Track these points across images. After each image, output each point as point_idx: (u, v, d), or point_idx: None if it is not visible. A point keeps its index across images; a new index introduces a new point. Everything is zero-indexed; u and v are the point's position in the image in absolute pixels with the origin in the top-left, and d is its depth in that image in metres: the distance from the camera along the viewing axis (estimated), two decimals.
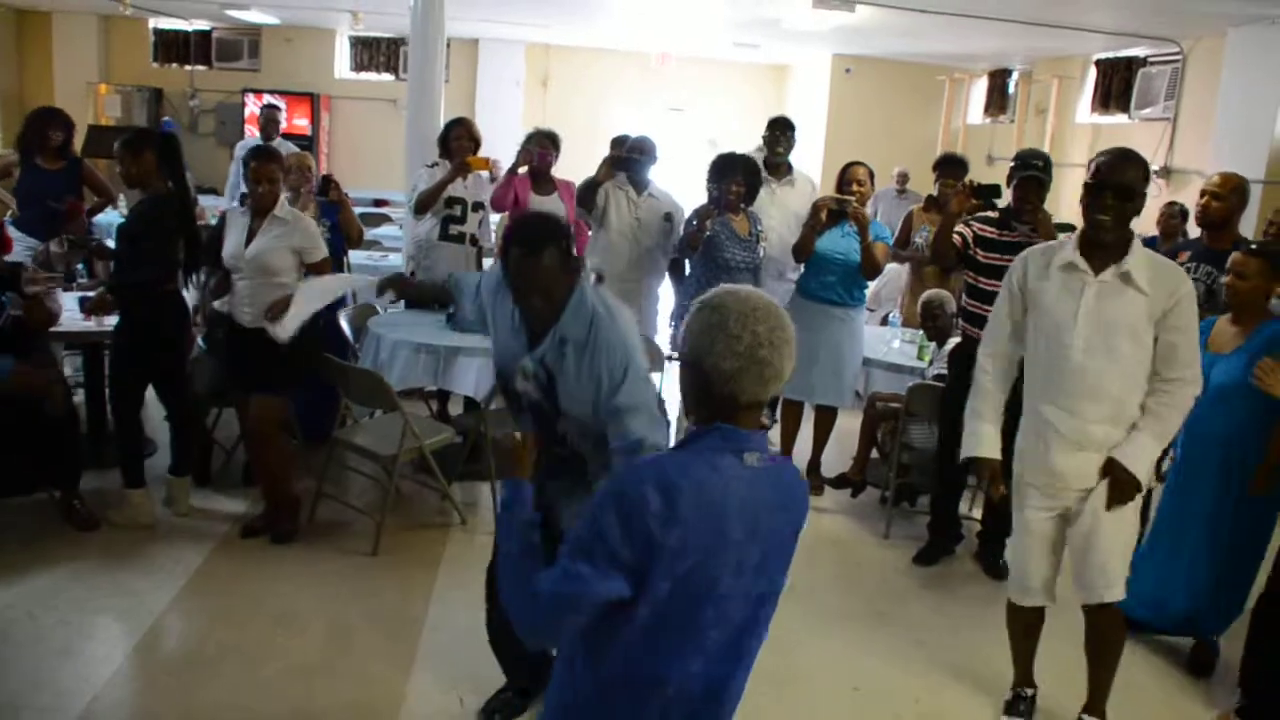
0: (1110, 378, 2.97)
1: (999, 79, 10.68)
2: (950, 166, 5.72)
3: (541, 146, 5.85)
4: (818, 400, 5.40)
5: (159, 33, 12.88)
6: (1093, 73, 9.32)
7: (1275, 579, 3.43)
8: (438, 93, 6.45)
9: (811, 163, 9.57)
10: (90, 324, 4.88)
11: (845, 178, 5.23)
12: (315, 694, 3.38)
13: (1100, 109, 9.24)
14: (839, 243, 5.13)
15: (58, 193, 4.49)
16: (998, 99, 10.69)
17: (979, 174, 5.43)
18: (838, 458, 5.58)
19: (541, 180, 5.87)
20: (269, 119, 7.06)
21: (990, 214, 4.43)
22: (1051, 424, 3.07)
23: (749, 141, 6.46)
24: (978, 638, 3.98)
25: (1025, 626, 3.39)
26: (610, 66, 13.22)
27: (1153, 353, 2.96)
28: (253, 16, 11.59)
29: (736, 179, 5.10)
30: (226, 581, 4.13)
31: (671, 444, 2.26)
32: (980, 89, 11.07)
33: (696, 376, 1.78)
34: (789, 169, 5.68)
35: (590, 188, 5.27)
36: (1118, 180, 2.91)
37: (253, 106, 12.82)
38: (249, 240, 4.25)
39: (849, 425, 5.58)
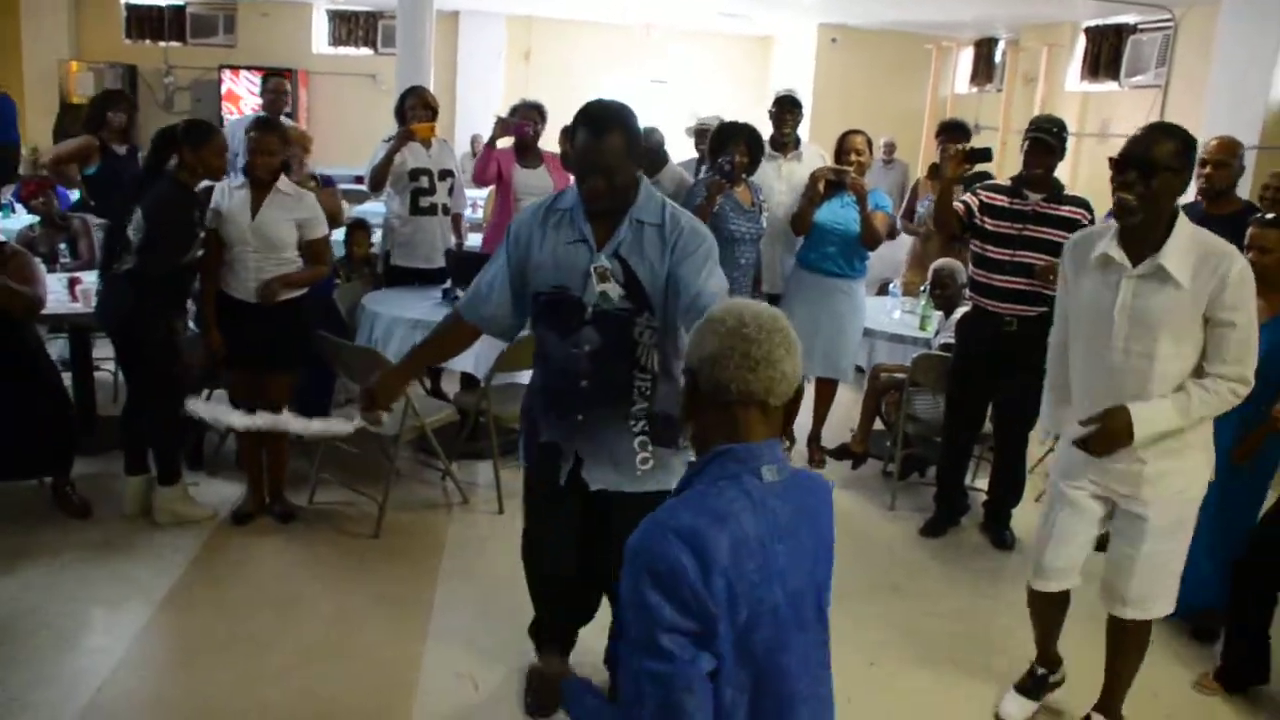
0: (1153, 380, 2.71)
1: (985, 48, 10.62)
2: (953, 132, 5.63)
3: (526, 118, 5.76)
4: (818, 373, 5.34)
5: (131, 8, 12.62)
6: (1082, 40, 9.27)
7: (1252, 546, 3.42)
8: (426, 66, 6.36)
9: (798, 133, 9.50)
10: (78, 305, 4.78)
11: (843, 147, 5.15)
12: (326, 678, 3.31)
13: (1090, 77, 9.21)
14: (838, 213, 5.06)
15: (129, 175, 4.34)
16: (984, 68, 10.63)
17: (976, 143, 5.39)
18: (837, 430, 5.55)
19: (527, 153, 5.78)
20: (276, 90, 6.65)
21: (1000, 181, 4.38)
22: (1085, 410, 2.89)
23: (733, 114, 6.35)
24: (994, 609, 3.97)
25: (1047, 611, 3.22)
26: (593, 39, 13.08)
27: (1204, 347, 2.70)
28: None
29: (740, 148, 5.01)
30: (227, 567, 4.06)
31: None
32: (967, 58, 11.01)
33: (687, 377, 1.65)
34: (797, 144, 5.59)
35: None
36: (1141, 154, 2.62)
37: (229, 83, 12.62)
38: (254, 213, 4.15)
39: (849, 397, 5.54)
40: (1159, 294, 2.68)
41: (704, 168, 5.30)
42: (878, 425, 5.29)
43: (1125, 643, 3.02)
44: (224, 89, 12.46)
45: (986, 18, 9.67)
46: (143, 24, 12.75)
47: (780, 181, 5.39)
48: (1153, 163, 2.62)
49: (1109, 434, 2.74)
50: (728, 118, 5.61)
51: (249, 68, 12.55)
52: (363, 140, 6.44)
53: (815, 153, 5.66)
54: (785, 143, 5.52)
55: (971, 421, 4.55)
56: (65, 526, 4.24)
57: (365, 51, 13.38)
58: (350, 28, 13.26)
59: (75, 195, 6.78)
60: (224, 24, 12.98)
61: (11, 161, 9.44)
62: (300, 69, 12.90)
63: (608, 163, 2.53)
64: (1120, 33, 8.92)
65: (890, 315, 5.62)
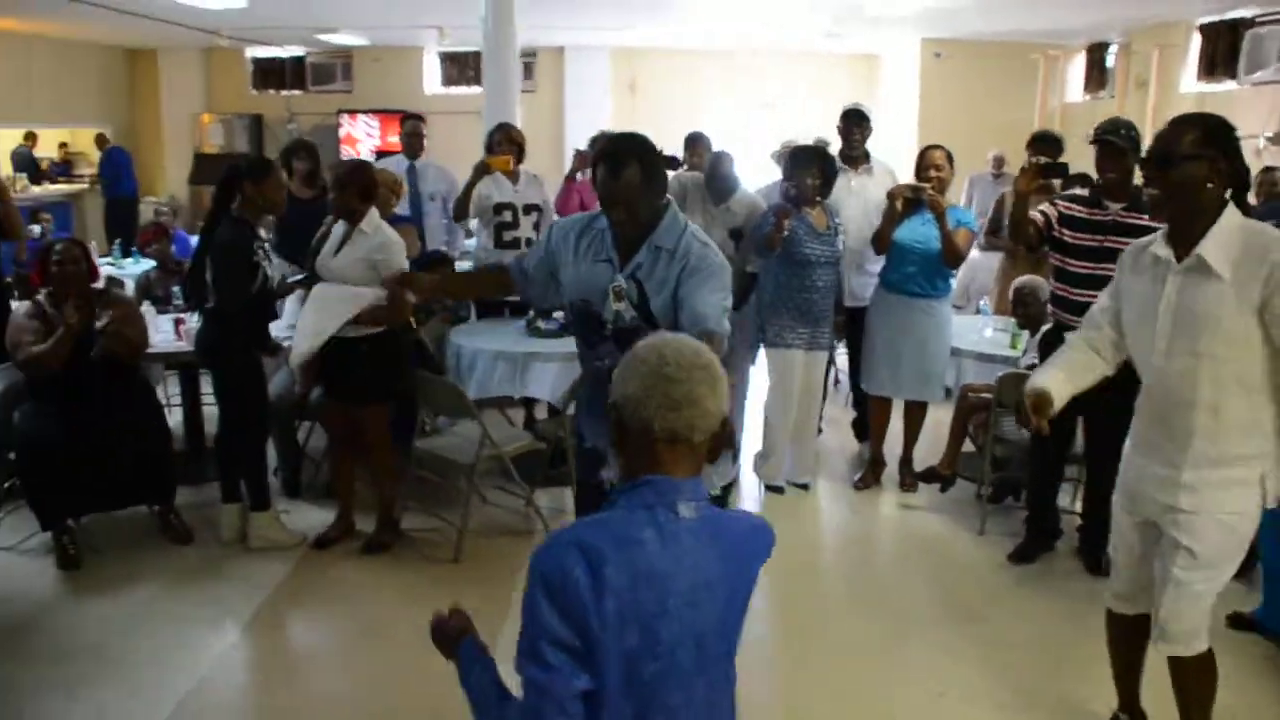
0: (1199, 383, 2.55)
1: (1097, 53, 10.24)
2: (1043, 144, 5.42)
3: None
4: (906, 396, 5.24)
5: (257, 61, 13.33)
6: (1196, 39, 8.84)
7: None
8: (513, 102, 6.49)
9: (905, 151, 9.32)
10: (183, 343, 5.05)
11: (923, 162, 5.04)
12: (403, 698, 3.40)
13: (1206, 77, 8.77)
14: (918, 231, 4.96)
15: (315, 221, 4.65)
16: (1097, 74, 10.25)
17: (1080, 154, 5.17)
18: (931, 453, 5.40)
19: None
20: (413, 133, 6.77)
21: (1079, 192, 4.22)
22: (1138, 429, 2.77)
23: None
24: (1076, 641, 3.78)
25: (1125, 639, 3.01)
26: (698, 66, 13.15)
27: (1266, 349, 2.50)
28: (342, 39, 11.90)
29: (812, 171, 4.97)
30: (313, 590, 4.21)
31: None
32: (1078, 65, 10.64)
33: (612, 413, 1.65)
34: (866, 158, 5.53)
35: None
36: (1157, 147, 2.57)
37: (348, 127, 13.18)
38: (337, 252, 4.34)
39: (941, 419, 5.39)
40: (1202, 288, 2.52)
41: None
42: (969, 447, 5.13)
43: (1181, 680, 2.80)
44: (342, 132, 13.02)
45: (1097, 23, 9.34)
46: (267, 75, 13.45)
47: (851, 196, 5.33)
48: (1168, 154, 2.54)
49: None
50: (833, 139, 5.56)
51: (366, 111, 13.08)
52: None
53: (885, 168, 5.57)
54: (855, 157, 5.47)
55: (1059, 441, 4.36)
56: (168, 552, 4.47)
57: (475, 90, 13.72)
58: (460, 68, 13.68)
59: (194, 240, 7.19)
60: (341, 71, 13.58)
61: (128, 210, 10.06)
62: (416, 110, 13.35)
63: (625, 196, 2.72)
64: (1237, 28, 8.47)
65: (981, 334, 5.45)
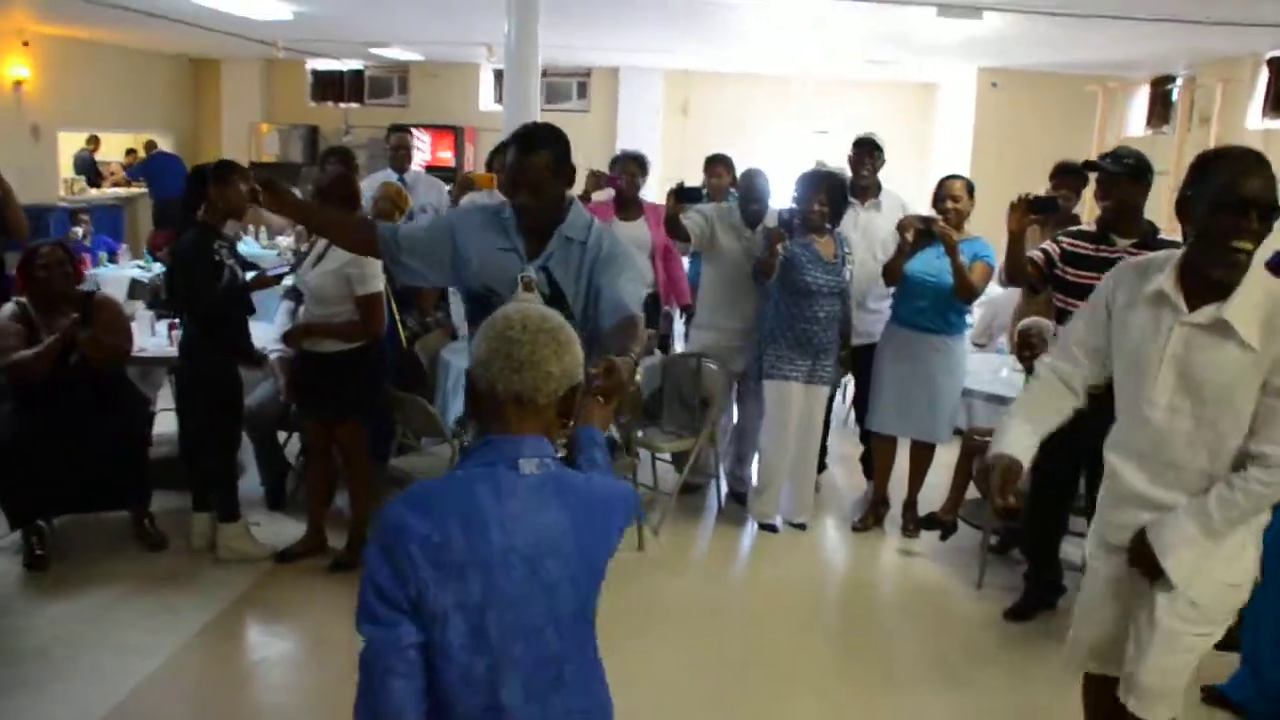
0: (1196, 448, 2.33)
1: (1161, 86, 9.85)
2: (1066, 175, 5.11)
3: (625, 170, 5.70)
4: (912, 435, 4.99)
5: (316, 74, 13.52)
6: (1264, 73, 8.42)
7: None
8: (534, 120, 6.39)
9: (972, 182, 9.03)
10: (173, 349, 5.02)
11: (940, 193, 4.80)
12: (347, 713, 3.27)
13: (1272, 113, 8.33)
14: (931, 264, 4.72)
15: None
16: (1160, 109, 9.84)
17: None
18: (940, 496, 5.12)
19: (628, 206, 5.71)
20: (399, 145, 6.90)
21: (1085, 227, 3.95)
22: (1117, 472, 2.49)
23: (897, 163, 6.06)
24: (1066, 712, 3.48)
25: (1100, 707, 2.72)
26: (752, 91, 13.00)
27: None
28: (396, 54, 12.00)
29: (820, 197, 4.77)
30: (268, 604, 4.12)
31: None
32: (1140, 99, 10.25)
33: (468, 378, 1.73)
34: (877, 191, 5.30)
35: (672, 221, 5.02)
36: (1270, 196, 2.22)
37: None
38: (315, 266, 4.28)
39: (953, 460, 5.11)
40: (1217, 351, 2.27)
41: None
42: (976, 494, 4.85)
43: None
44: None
45: (1160, 54, 8.96)
46: (326, 88, 13.63)
47: (855, 231, 5.11)
48: (1274, 205, 2.22)
49: (1142, 568, 2.44)
50: (893, 169, 5.33)
51: (420, 126, 13.15)
52: None
53: (896, 201, 5.33)
54: (865, 188, 5.24)
55: (1059, 488, 4.07)
56: (136, 558, 4.42)
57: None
58: None
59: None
60: (398, 85, 13.70)
61: (174, 214, 10.21)
62: (468, 125, 13.44)
63: (533, 179, 2.71)
64: None
65: (997, 374, 5.16)
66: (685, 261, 6.01)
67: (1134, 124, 10.32)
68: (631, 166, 5.72)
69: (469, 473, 1.66)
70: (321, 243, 4.31)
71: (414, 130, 13.07)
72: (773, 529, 5.03)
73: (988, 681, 3.76)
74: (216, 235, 4.16)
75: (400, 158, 6.48)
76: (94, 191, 11.59)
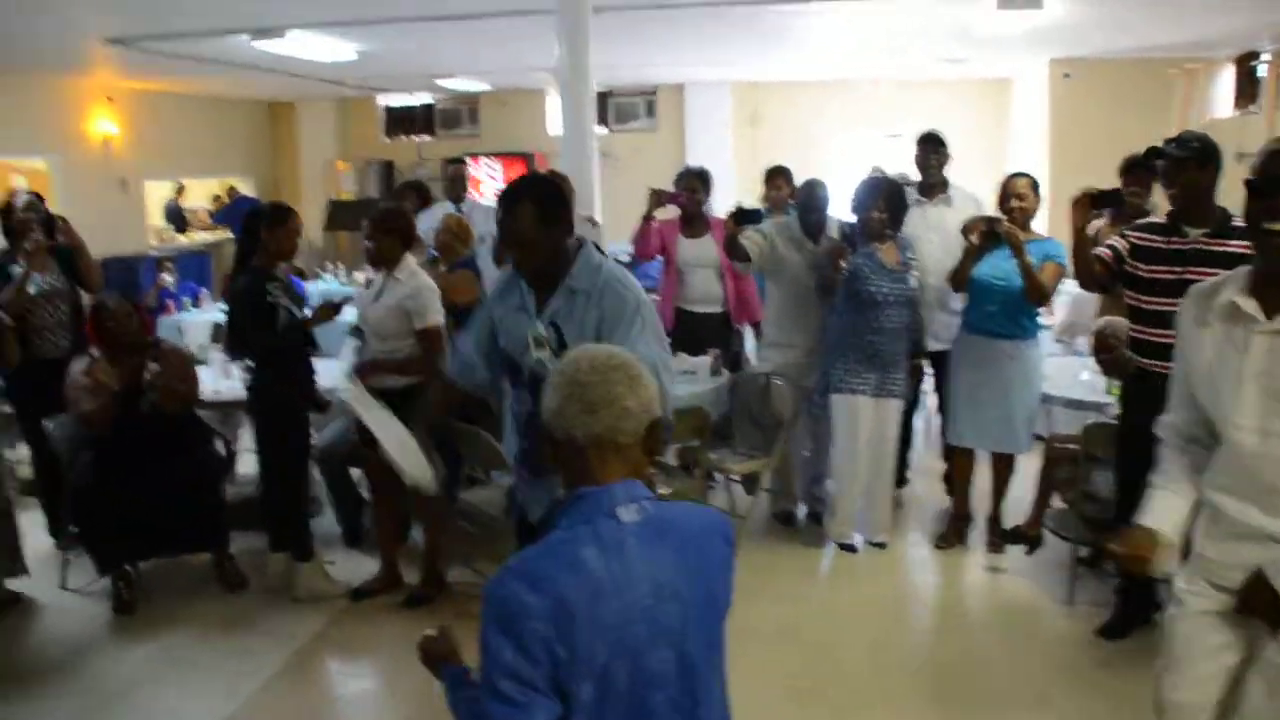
0: None
1: (1246, 64, 9.39)
2: (1138, 170, 4.81)
3: (688, 186, 5.65)
4: (990, 446, 4.81)
5: (388, 109, 13.76)
6: None
7: None
8: (589, 143, 6.39)
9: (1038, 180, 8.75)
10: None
11: (1004, 192, 4.63)
12: None
13: None
14: (1000, 267, 4.55)
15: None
16: (1248, 87, 9.37)
17: (1229, 174, 4.63)
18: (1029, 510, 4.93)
19: (693, 223, 5.66)
20: (454, 176, 7.00)
21: (1154, 219, 3.76)
22: (1221, 508, 2.18)
23: (972, 162, 5.93)
24: None
25: None
26: (820, 98, 12.81)
27: None
28: (463, 84, 12.14)
29: (878, 204, 4.66)
30: (344, 643, 4.16)
31: None
32: (1224, 79, 9.79)
33: (545, 430, 1.66)
34: (944, 187, 5.15)
35: (731, 242, 4.96)
36: None
37: (471, 169, 13.44)
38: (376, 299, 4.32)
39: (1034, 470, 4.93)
40: None
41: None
42: (1062, 504, 4.66)
43: None
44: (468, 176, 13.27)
45: (1243, 31, 8.55)
46: (398, 122, 13.86)
47: (928, 230, 4.98)
48: None
49: (1262, 616, 2.09)
50: (969, 167, 5.18)
51: (490, 154, 13.31)
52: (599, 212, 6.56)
53: (967, 196, 5.17)
54: (931, 185, 5.10)
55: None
56: (217, 598, 4.51)
57: (599, 130, 13.81)
58: None
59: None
60: (468, 116, 13.86)
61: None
62: (538, 151, 13.51)
63: (519, 235, 2.66)
64: None
65: (1077, 378, 4.95)
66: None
67: (1219, 106, 9.86)
68: (694, 182, 5.67)
69: (571, 534, 1.58)
70: (380, 278, 4.34)
71: (485, 159, 13.38)
72: (851, 549, 4.90)
73: (1081, 704, 3.57)
74: (270, 278, 4.22)
75: (456, 188, 6.54)
76: (182, 239, 11.98)
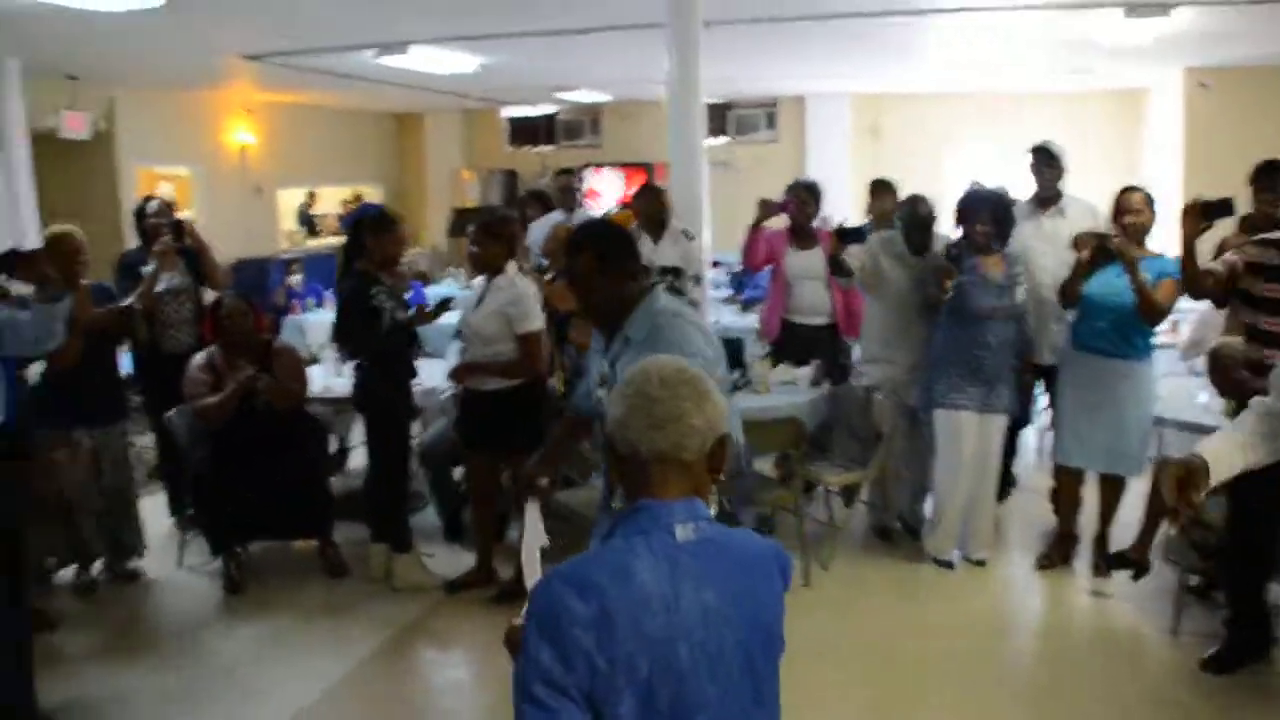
0: None
1: None
2: (1268, 177, 4.51)
3: (798, 198, 5.64)
4: (1099, 468, 4.65)
5: (513, 120, 14.09)
6: None
7: None
8: (698, 155, 6.41)
9: (1169, 193, 8.37)
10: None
11: (1118, 206, 4.46)
12: None
13: None
14: (1112, 283, 4.38)
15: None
16: None
17: None
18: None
19: (802, 234, 5.64)
20: (564, 187, 7.17)
21: (1274, 235, 3.58)
22: None
23: (1104, 175, 5.76)
24: None
25: None
26: (943, 109, 12.57)
27: None
28: (584, 96, 12.34)
29: (981, 218, 4.57)
30: (434, 633, 4.28)
31: None
32: None
33: (607, 441, 1.66)
34: (1058, 198, 5.00)
35: (834, 262, 4.93)
36: None
37: (591, 180, 13.66)
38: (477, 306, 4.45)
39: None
40: None
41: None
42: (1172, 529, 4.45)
43: None
44: (586, 186, 13.46)
45: None
46: (522, 133, 14.18)
47: (1042, 242, 4.85)
48: None
49: None
50: (1099, 181, 5.03)
51: (611, 164, 13.50)
52: (718, 224, 6.61)
53: (1085, 208, 5.00)
54: (1046, 198, 4.96)
55: (1266, 521, 3.67)
56: (320, 584, 4.70)
57: (720, 140, 13.86)
58: (706, 119, 13.80)
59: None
60: (590, 127, 14.08)
61: None
62: (658, 162, 13.61)
63: (578, 281, 2.79)
64: None
65: (1193, 400, 4.72)
66: None
67: None
68: (803, 194, 5.67)
69: (625, 544, 1.56)
70: (481, 283, 4.47)
71: (607, 169, 13.57)
72: (949, 565, 4.79)
73: None
74: (375, 281, 4.38)
75: (567, 198, 6.67)
76: (311, 242, 12.50)
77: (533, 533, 2.48)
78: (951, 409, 4.63)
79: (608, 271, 2.73)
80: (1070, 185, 5.11)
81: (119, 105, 9.53)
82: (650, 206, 5.66)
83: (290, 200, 12.79)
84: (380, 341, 4.38)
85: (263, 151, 11.26)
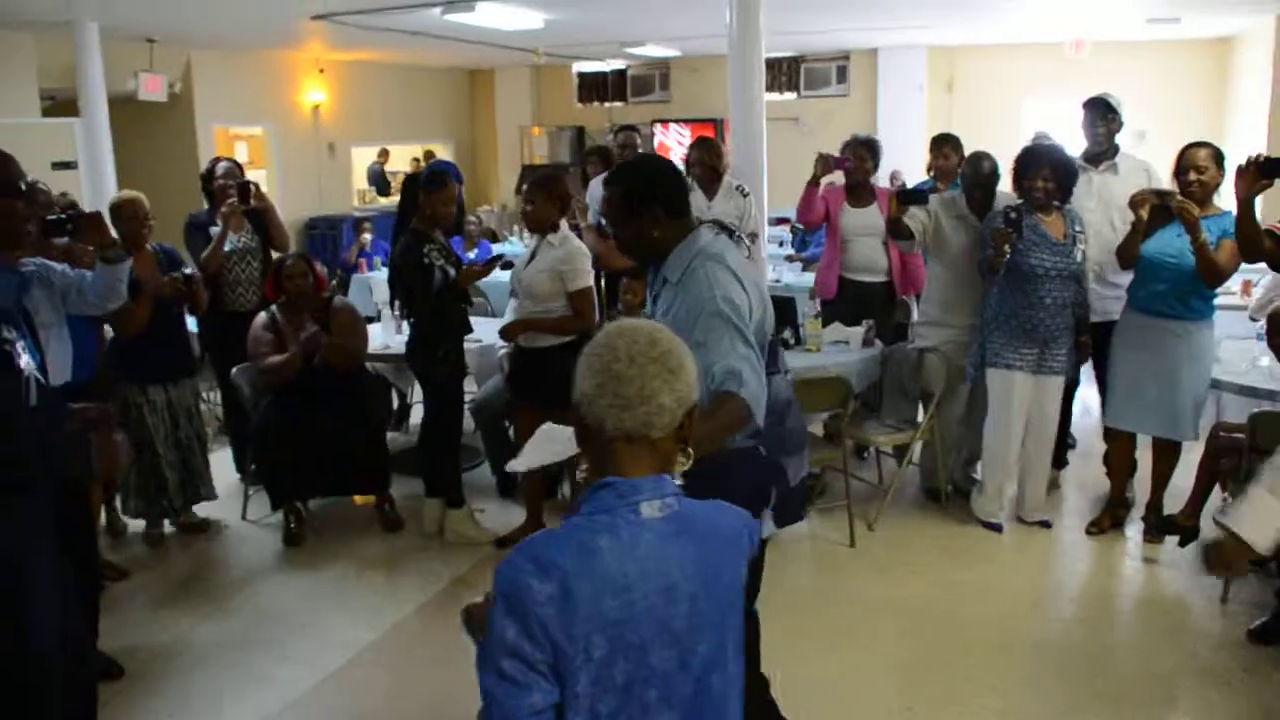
0: None
1: None
2: None
3: (857, 155, 5.57)
4: (1151, 431, 4.55)
5: (581, 75, 14.09)
6: None
7: None
8: (758, 110, 6.36)
9: (1254, 150, 8.02)
10: None
11: (1181, 164, 4.32)
12: None
13: None
14: (1172, 243, 4.27)
15: None
16: None
17: None
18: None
19: (859, 191, 5.59)
20: (625, 144, 7.17)
21: None
22: None
23: (1187, 130, 5.59)
24: None
25: None
26: (1020, 61, 12.22)
27: None
28: (653, 51, 12.27)
29: (1043, 173, 4.46)
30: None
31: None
32: None
33: (574, 410, 1.60)
34: (1113, 154, 4.87)
35: (894, 224, 4.87)
36: None
37: (660, 135, 13.61)
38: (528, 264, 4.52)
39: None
40: None
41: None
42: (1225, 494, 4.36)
43: None
44: (655, 141, 13.43)
45: None
46: (590, 89, 14.18)
47: (1090, 198, 4.73)
48: None
49: None
50: (1180, 135, 4.89)
51: (678, 120, 13.44)
52: (785, 180, 6.57)
53: (1137, 165, 4.85)
54: (1099, 153, 4.82)
55: None
56: (377, 538, 4.86)
57: (789, 96, 13.70)
58: (774, 74, 13.62)
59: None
60: (659, 81, 14.02)
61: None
62: (726, 118, 13.51)
63: (610, 212, 2.70)
64: None
65: (1255, 363, 4.59)
66: None
67: None
68: (861, 151, 5.59)
69: (589, 522, 1.53)
70: (534, 241, 4.53)
71: (675, 124, 13.51)
72: (997, 528, 4.76)
73: (1218, 707, 3.37)
74: (427, 240, 4.46)
75: (626, 156, 6.67)
76: (383, 200, 12.73)
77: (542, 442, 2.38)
78: (1004, 369, 4.57)
79: (635, 209, 2.61)
80: (1152, 141, 4.96)
81: (195, 67, 9.79)
82: (705, 157, 5.64)
83: (363, 159, 13.03)
84: (432, 299, 4.47)
85: (335, 110, 11.47)
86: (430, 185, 4.46)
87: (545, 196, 4.45)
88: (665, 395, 1.53)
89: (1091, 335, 4.74)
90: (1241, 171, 3.50)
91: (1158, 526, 4.47)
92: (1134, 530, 4.71)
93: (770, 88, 13.73)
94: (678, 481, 1.61)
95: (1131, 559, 4.51)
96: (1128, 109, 5.01)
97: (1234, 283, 5.81)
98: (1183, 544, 4.32)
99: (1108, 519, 4.74)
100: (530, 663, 1.45)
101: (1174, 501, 4.50)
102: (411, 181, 4.61)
